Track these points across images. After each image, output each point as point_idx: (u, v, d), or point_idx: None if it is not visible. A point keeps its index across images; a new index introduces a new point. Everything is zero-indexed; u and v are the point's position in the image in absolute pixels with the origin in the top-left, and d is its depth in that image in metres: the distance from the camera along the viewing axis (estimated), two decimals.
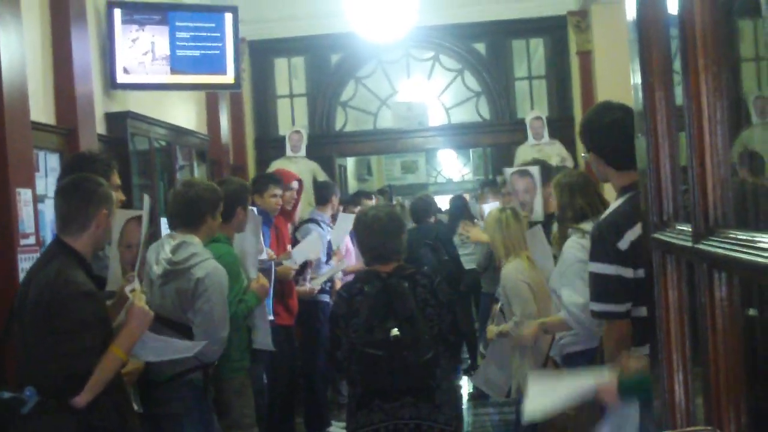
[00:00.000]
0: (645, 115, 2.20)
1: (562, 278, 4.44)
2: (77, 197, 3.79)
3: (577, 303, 4.27)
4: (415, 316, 4.15)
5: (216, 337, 4.27)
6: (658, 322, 2.13)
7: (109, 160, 4.52)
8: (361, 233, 4.49)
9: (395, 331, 4.09)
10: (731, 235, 1.61)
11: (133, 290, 3.82)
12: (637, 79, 2.26)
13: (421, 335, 4.15)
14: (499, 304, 5.70)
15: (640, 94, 2.22)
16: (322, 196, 8.18)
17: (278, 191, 6.67)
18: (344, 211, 8.34)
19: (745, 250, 1.48)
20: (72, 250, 3.71)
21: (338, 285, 7.70)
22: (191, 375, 4.33)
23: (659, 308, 2.13)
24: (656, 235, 2.16)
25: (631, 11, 2.28)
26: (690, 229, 1.86)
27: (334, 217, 8.05)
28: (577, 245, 4.43)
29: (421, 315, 4.20)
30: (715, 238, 1.67)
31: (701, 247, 1.73)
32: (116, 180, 4.50)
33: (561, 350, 4.67)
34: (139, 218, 4.13)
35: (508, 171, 6.30)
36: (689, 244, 1.83)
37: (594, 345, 4.34)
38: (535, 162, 6.21)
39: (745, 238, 1.54)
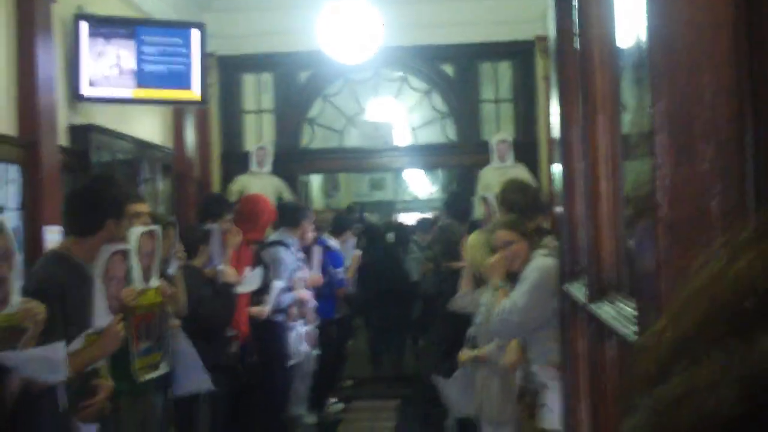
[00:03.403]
0: (564, 178, 2.26)
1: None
2: (83, 202, 3.89)
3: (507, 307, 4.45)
4: None
5: None
6: (569, 367, 2.18)
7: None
8: None
9: None
10: (618, 301, 1.66)
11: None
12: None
13: None
14: (471, 328, 5.74)
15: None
16: (293, 218, 8.12)
17: (230, 218, 6.63)
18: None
19: (621, 320, 1.54)
20: (59, 255, 3.79)
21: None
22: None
23: (569, 355, 2.18)
24: (566, 286, 2.21)
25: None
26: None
27: (306, 249, 8.08)
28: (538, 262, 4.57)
29: None
30: (606, 302, 1.72)
31: (592, 308, 1.78)
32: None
33: (540, 379, 4.70)
34: (123, 252, 4.13)
35: (490, 196, 6.39)
36: (584, 303, 1.89)
37: None
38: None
39: (625, 306, 1.59)
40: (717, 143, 1.30)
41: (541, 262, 4.62)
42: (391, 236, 12.22)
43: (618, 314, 1.69)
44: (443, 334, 5.95)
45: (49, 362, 3.43)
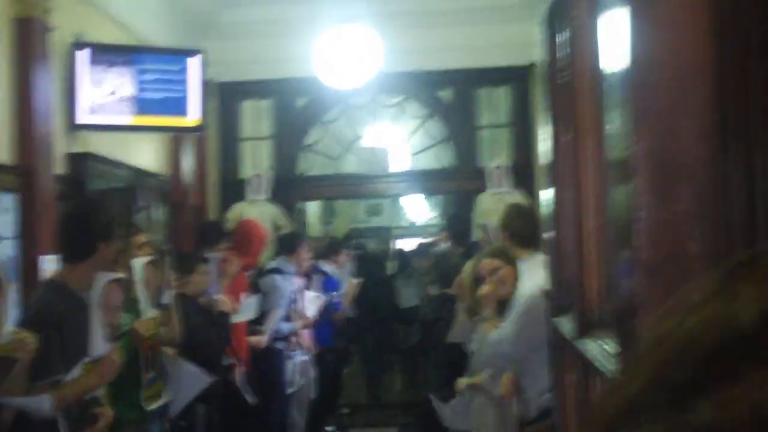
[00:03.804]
0: (553, 211, 2.27)
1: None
2: (73, 226, 3.89)
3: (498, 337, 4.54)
4: None
5: None
6: (559, 399, 2.19)
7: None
8: None
9: None
10: (601, 339, 1.67)
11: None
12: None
13: None
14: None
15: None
16: (290, 245, 8.14)
17: (229, 245, 6.64)
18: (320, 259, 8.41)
19: (603, 359, 1.54)
20: (56, 284, 3.80)
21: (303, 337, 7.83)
22: None
23: (559, 388, 2.18)
24: (555, 320, 2.22)
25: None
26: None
27: (306, 274, 8.10)
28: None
29: None
30: (591, 339, 1.72)
31: (577, 345, 1.78)
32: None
33: (539, 407, 4.70)
34: (119, 280, 4.13)
35: (490, 224, 6.42)
36: (570, 338, 1.89)
37: None
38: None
39: (609, 344, 1.60)
40: (695, 186, 1.31)
41: (530, 290, 4.63)
42: (393, 265, 12.27)
43: (600, 352, 1.69)
44: (443, 361, 5.94)
45: (34, 411, 3.46)
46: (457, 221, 9.71)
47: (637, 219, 1.35)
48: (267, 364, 7.44)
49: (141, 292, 4.80)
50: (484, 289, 5.07)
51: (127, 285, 4.94)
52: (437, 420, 6.07)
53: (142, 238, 5.52)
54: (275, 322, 7.30)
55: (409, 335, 10.50)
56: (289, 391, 7.96)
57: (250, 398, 6.61)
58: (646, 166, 1.36)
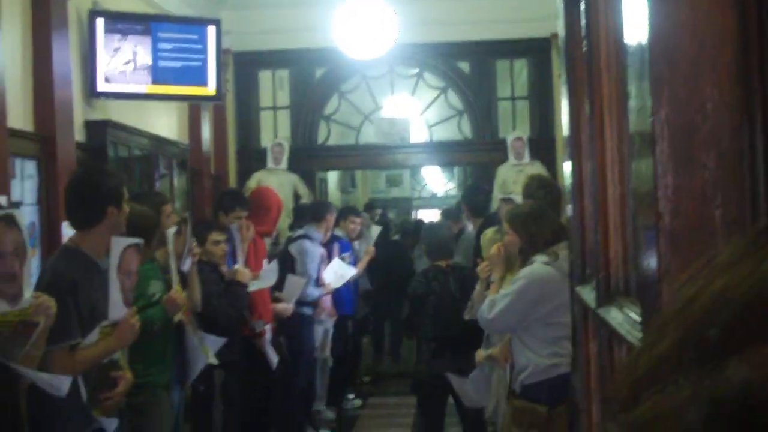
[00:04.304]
0: (573, 178, 2.26)
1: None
2: (82, 192, 3.91)
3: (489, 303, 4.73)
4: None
5: None
6: (581, 369, 2.18)
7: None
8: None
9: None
10: (625, 307, 1.65)
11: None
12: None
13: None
14: None
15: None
16: (318, 213, 8.20)
17: (243, 214, 6.64)
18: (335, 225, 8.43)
19: (627, 326, 1.53)
20: (69, 250, 3.82)
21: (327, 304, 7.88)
22: None
23: (581, 357, 2.17)
24: (578, 289, 2.20)
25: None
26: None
27: (325, 245, 8.15)
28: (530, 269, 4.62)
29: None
30: (614, 307, 1.71)
31: (601, 313, 1.77)
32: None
33: (520, 383, 4.75)
34: (137, 246, 4.14)
35: (516, 197, 6.41)
36: (593, 307, 1.88)
37: (550, 376, 4.56)
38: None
39: (633, 312, 1.59)
40: (718, 154, 1.29)
41: (532, 270, 4.67)
42: (397, 237, 12.29)
43: (624, 320, 1.68)
44: (431, 334, 5.96)
45: (52, 388, 3.49)
46: (477, 189, 9.69)
47: (660, 187, 1.33)
48: (294, 330, 7.55)
49: (172, 261, 4.82)
50: (492, 249, 5.09)
51: (161, 254, 4.98)
52: (432, 394, 6.08)
53: (169, 207, 5.56)
54: (302, 289, 7.32)
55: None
56: (318, 356, 8.14)
57: (273, 362, 6.63)
58: (669, 134, 1.34)
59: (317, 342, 8.04)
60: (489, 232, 6.01)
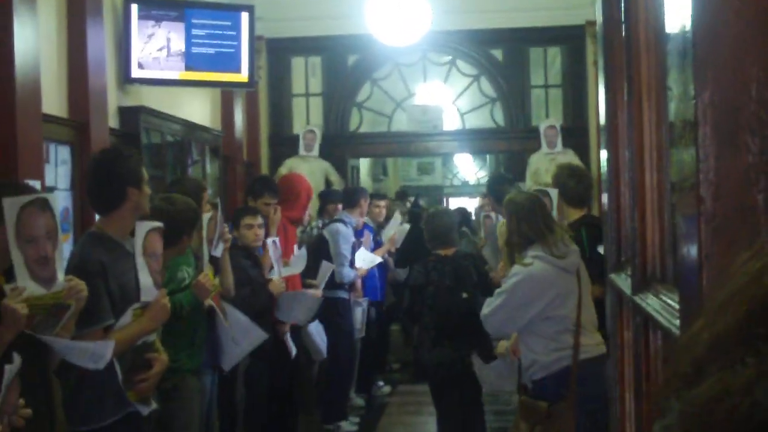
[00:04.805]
0: (610, 166, 2.23)
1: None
2: (101, 175, 3.93)
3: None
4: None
5: None
6: (615, 357, 2.16)
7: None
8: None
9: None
10: (662, 293, 1.63)
11: None
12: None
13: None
14: None
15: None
16: (351, 198, 8.31)
17: (272, 200, 6.66)
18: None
19: (665, 313, 1.51)
20: (95, 234, 3.85)
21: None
22: None
23: (615, 346, 2.15)
24: (612, 276, 2.18)
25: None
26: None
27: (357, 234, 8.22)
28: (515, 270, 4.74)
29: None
30: (650, 294, 1.69)
31: (637, 300, 1.75)
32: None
33: (530, 379, 4.82)
34: (158, 229, 4.15)
35: (552, 192, 6.40)
36: (629, 294, 1.86)
37: (553, 371, 4.66)
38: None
39: (669, 298, 1.56)
40: (763, 137, 1.26)
41: (523, 267, 4.73)
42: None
43: (662, 307, 1.66)
44: (431, 324, 5.96)
45: (94, 355, 3.49)
46: (502, 178, 9.65)
47: (701, 170, 1.31)
48: (334, 313, 7.62)
49: (204, 247, 4.84)
50: (501, 223, 5.17)
51: (194, 240, 4.99)
52: (442, 384, 6.07)
53: (207, 195, 5.61)
54: (329, 273, 7.36)
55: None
56: (358, 336, 8.31)
57: (292, 352, 6.65)
58: (712, 117, 1.31)
59: (357, 324, 8.19)
60: (504, 222, 6.02)
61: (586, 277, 4.87)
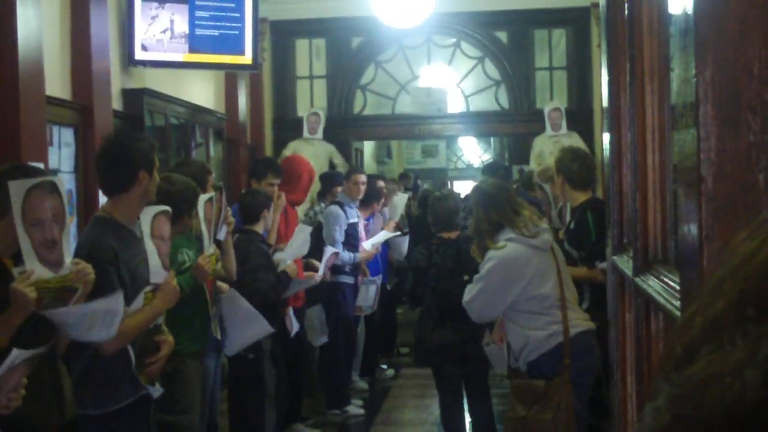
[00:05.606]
0: (612, 148, 2.22)
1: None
2: (113, 156, 3.92)
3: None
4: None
5: None
6: (617, 339, 2.15)
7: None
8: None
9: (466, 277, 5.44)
10: (663, 275, 1.63)
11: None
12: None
13: None
14: None
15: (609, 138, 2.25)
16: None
17: (276, 181, 6.66)
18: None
19: (666, 295, 1.50)
20: (103, 219, 3.84)
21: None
22: None
23: (617, 328, 2.15)
24: (614, 258, 2.18)
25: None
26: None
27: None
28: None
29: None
30: (651, 275, 1.68)
31: (639, 282, 1.75)
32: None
33: (524, 362, 4.83)
34: (165, 212, 4.14)
35: (547, 187, 6.48)
36: (630, 276, 1.86)
37: (550, 347, 4.69)
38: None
39: (671, 280, 1.56)
40: (764, 116, 1.26)
41: (497, 251, 4.80)
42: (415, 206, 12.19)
43: (663, 288, 1.66)
44: (433, 306, 5.98)
45: (107, 314, 3.48)
46: (497, 164, 9.68)
47: (702, 150, 1.30)
48: (333, 298, 7.62)
49: (204, 228, 4.82)
50: None
51: (195, 222, 4.98)
52: (442, 366, 6.07)
53: (212, 177, 5.60)
54: (329, 257, 7.33)
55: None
56: (370, 312, 8.37)
57: (291, 330, 6.64)
58: (713, 96, 1.31)
59: (371, 301, 8.19)
60: None
61: (560, 253, 4.98)
